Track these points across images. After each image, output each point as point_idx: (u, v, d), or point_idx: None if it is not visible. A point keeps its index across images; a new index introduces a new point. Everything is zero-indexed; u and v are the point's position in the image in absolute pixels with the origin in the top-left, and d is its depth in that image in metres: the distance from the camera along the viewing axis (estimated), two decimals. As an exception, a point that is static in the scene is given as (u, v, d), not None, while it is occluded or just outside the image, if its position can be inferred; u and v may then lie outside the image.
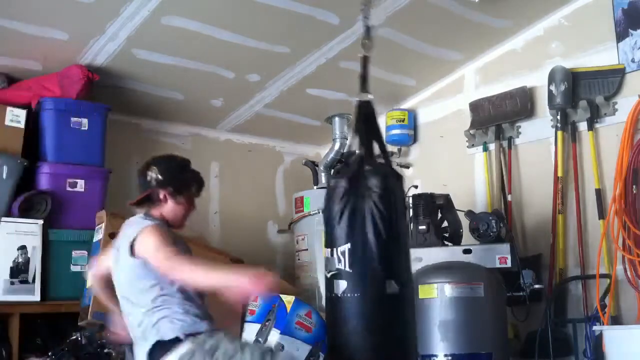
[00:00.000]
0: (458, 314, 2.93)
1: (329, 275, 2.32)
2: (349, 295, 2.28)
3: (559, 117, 3.58)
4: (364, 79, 2.38)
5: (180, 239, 2.40)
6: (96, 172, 3.44)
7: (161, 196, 2.37)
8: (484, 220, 3.37)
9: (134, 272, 2.27)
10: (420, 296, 2.94)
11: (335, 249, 2.30)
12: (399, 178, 2.42)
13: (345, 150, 4.21)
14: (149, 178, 2.38)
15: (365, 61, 2.39)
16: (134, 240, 2.26)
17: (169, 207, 2.39)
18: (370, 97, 2.38)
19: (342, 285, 2.28)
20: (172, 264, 2.19)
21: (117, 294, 2.35)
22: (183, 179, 2.44)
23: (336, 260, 2.29)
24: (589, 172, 3.50)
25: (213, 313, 3.09)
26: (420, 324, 2.63)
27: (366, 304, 2.28)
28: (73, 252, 3.26)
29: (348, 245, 2.28)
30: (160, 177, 2.37)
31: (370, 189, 2.29)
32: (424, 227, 3.32)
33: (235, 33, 3.40)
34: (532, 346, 3.30)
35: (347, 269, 2.27)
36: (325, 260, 2.37)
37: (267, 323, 3.10)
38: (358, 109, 2.39)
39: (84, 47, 3.37)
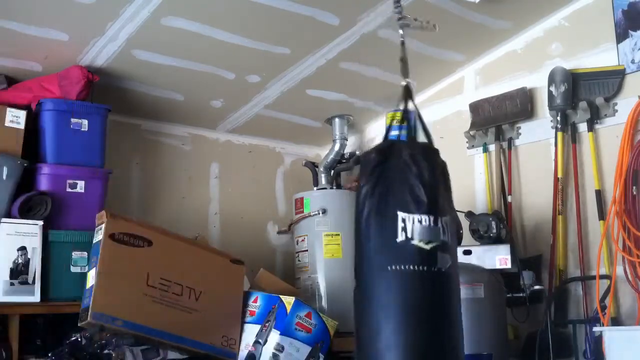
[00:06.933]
0: (458, 315, 2.92)
1: (428, 247, 2.09)
2: (450, 270, 2.11)
3: (559, 118, 3.58)
4: (404, 63, 2.39)
5: None
6: (96, 173, 3.43)
7: None
8: (484, 221, 3.37)
9: None
10: (421, 297, 2.93)
11: (440, 218, 2.10)
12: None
13: (346, 151, 4.23)
14: None
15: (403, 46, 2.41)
16: None
17: None
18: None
19: (447, 259, 2.10)
20: None
21: None
22: None
23: (441, 231, 2.10)
24: (589, 173, 3.50)
25: (212, 314, 3.11)
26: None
27: (456, 278, 2.18)
28: (73, 253, 3.25)
29: (448, 217, 2.13)
30: None
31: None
32: (424, 228, 3.31)
33: (236, 34, 3.40)
34: (532, 347, 3.29)
35: (449, 241, 2.11)
36: (422, 229, 2.10)
37: (267, 324, 3.10)
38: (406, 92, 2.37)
39: (84, 48, 3.36)
